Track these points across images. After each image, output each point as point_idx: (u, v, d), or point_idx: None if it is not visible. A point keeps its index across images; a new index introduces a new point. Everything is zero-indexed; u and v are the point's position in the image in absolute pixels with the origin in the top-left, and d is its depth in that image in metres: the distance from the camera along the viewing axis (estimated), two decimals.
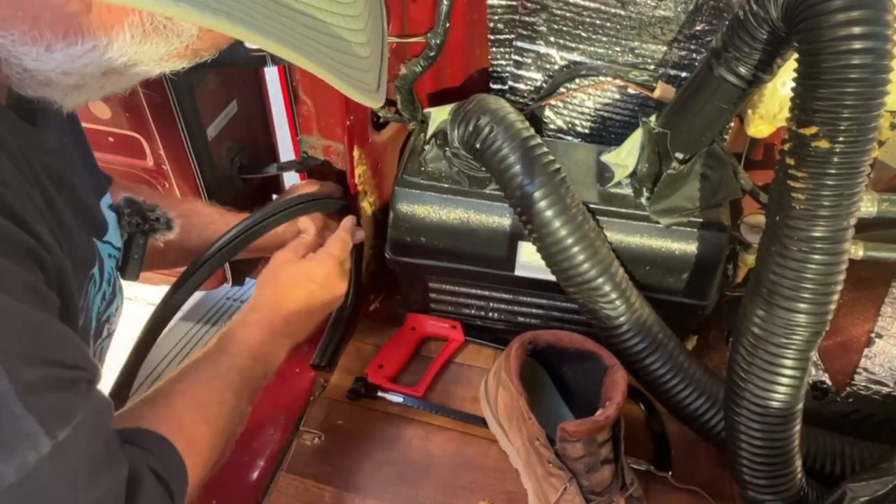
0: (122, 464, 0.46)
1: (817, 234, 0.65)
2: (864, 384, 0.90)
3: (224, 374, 0.68)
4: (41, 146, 0.51)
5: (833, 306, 0.68)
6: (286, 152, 1.04)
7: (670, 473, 0.90)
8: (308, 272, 0.82)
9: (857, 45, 0.58)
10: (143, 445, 0.53)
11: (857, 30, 0.57)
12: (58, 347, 0.42)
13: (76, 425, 0.41)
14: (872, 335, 0.88)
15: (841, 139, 0.61)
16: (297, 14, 0.41)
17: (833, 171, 0.62)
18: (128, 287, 0.71)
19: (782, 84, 0.80)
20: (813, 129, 0.62)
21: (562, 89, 1.01)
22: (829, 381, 0.93)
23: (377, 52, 0.49)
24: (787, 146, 0.66)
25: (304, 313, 0.80)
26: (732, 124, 0.97)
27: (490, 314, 1.08)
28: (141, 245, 0.69)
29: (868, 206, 0.83)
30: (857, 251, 0.84)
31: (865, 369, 0.89)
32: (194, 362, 0.68)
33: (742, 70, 0.73)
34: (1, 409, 0.36)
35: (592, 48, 0.98)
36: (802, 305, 0.67)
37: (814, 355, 0.71)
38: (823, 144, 0.62)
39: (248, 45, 0.82)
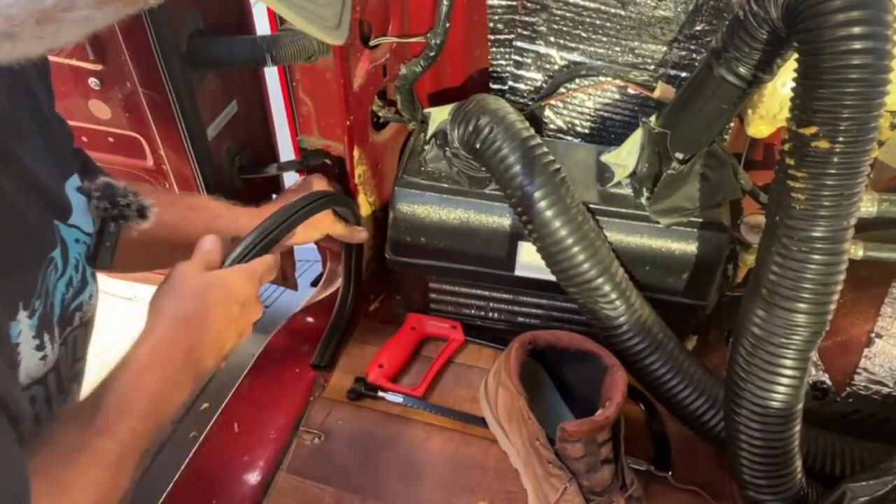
0: None
1: (817, 234, 0.65)
2: (864, 384, 0.90)
3: (99, 446, 0.53)
4: None
5: (833, 306, 0.68)
6: (286, 152, 1.04)
7: (670, 473, 0.90)
8: (229, 286, 0.67)
9: (857, 46, 0.58)
10: None
11: (857, 30, 0.57)
12: None
13: None
14: (872, 335, 0.88)
15: (841, 139, 0.61)
16: None
17: (833, 171, 0.62)
18: (128, 287, 0.70)
19: (782, 84, 0.81)
20: (813, 129, 0.62)
21: (562, 89, 1.01)
22: (829, 381, 0.93)
23: None
24: (787, 146, 0.66)
25: (218, 340, 0.65)
26: (732, 124, 0.97)
27: (490, 314, 1.08)
28: (113, 233, 0.62)
29: (868, 206, 0.83)
30: (857, 251, 0.84)
31: (865, 369, 0.89)
32: (59, 426, 0.53)
33: (742, 70, 0.73)
34: None
35: (592, 48, 0.98)
36: (802, 305, 0.68)
37: (814, 355, 0.72)
38: (823, 144, 0.62)
39: None
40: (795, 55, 0.64)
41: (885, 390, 0.89)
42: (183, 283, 0.65)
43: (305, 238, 0.94)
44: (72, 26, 0.42)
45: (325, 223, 0.92)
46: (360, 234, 0.97)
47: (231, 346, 0.68)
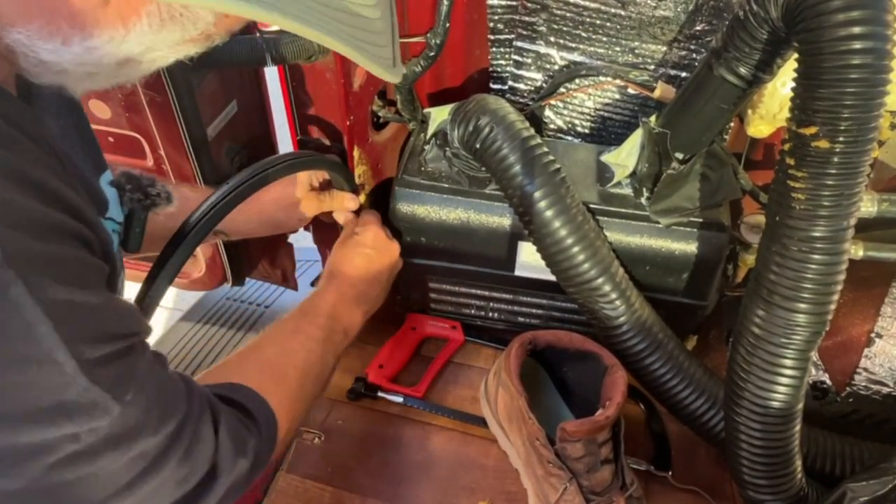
0: (182, 405, 0.51)
1: (817, 234, 0.65)
2: (864, 384, 0.90)
3: (306, 329, 0.77)
4: (46, 128, 0.51)
5: (833, 306, 0.68)
6: (286, 152, 1.04)
7: (670, 473, 0.90)
8: (359, 241, 0.90)
9: (857, 45, 0.58)
10: (230, 396, 0.59)
11: (857, 30, 0.57)
12: (116, 322, 0.46)
13: (139, 382, 0.46)
14: (872, 335, 0.88)
15: (841, 139, 0.61)
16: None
17: (833, 171, 0.62)
18: (129, 287, 0.71)
19: (782, 84, 0.80)
20: (813, 129, 0.62)
21: (562, 89, 1.01)
22: (829, 381, 0.93)
23: (389, 27, 0.49)
24: (787, 146, 0.66)
25: (367, 276, 0.89)
26: (732, 124, 0.97)
27: (490, 314, 1.08)
28: (142, 219, 0.69)
29: (868, 206, 0.83)
30: (857, 251, 0.84)
31: (865, 369, 0.89)
32: (276, 324, 0.76)
33: (742, 70, 0.73)
34: (68, 387, 0.41)
35: (592, 48, 0.98)
36: (802, 305, 0.67)
37: (814, 355, 0.71)
38: (823, 144, 0.62)
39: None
40: (795, 55, 0.64)
41: (885, 390, 0.89)
42: (333, 254, 0.90)
43: (295, 226, 0.95)
44: (146, 66, 0.46)
45: (310, 205, 0.92)
46: (349, 203, 0.94)
47: (384, 276, 0.92)
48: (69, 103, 0.62)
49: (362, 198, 0.99)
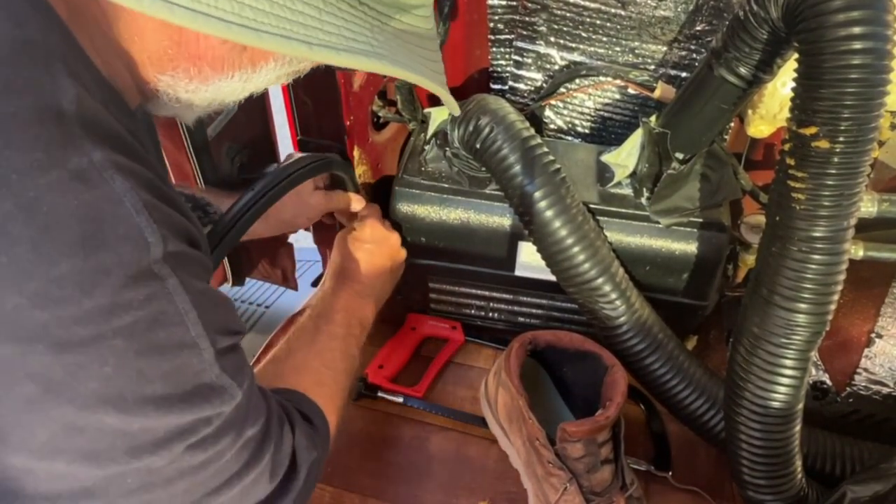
0: (264, 402, 0.54)
1: (817, 234, 0.65)
2: (864, 384, 0.90)
3: (326, 329, 0.79)
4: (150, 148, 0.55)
5: (833, 306, 0.68)
6: (286, 152, 1.04)
7: (670, 473, 0.90)
8: (356, 236, 0.91)
9: (858, 46, 0.58)
10: (292, 400, 0.63)
11: (857, 30, 0.57)
12: (232, 318, 0.50)
13: (247, 374, 0.50)
14: (872, 335, 0.88)
15: (841, 139, 0.61)
16: (412, 37, 0.46)
17: (833, 172, 0.62)
18: None
19: (782, 84, 0.80)
20: (813, 130, 0.62)
21: (562, 89, 1.01)
22: (829, 381, 0.93)
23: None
24: (787, 146, 0.66)
25: (370, 270, 0.90)
26: (732, 124, 0.97)
27: (490, 314, 1.08)
28: None
29: (868, 206, 0.83)
30: (857, 251, 0.84)
31: (865, 369, 0.89)
32: (297, 329, 0.79)
33: (742, 70, 0.73)
34: (206, 372, 0.45)
35: (592, 48, 0.98)
36: (802, 305, 0.67)
37: (814, 355, 0.71)
38: (823, 144, 0.62)
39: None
40: (795, 55, 0.64)
41: (885, 390, 0.89)
42: (333, 254, 0.91)
43: (302, 225, 0.96)
44: (245, 94, 0.50)
45: (317, 203, 0.92)
46: (355, 203, 0.95)
47: (390, 266, 0.93)
48: (151, 123, 0.65)
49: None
